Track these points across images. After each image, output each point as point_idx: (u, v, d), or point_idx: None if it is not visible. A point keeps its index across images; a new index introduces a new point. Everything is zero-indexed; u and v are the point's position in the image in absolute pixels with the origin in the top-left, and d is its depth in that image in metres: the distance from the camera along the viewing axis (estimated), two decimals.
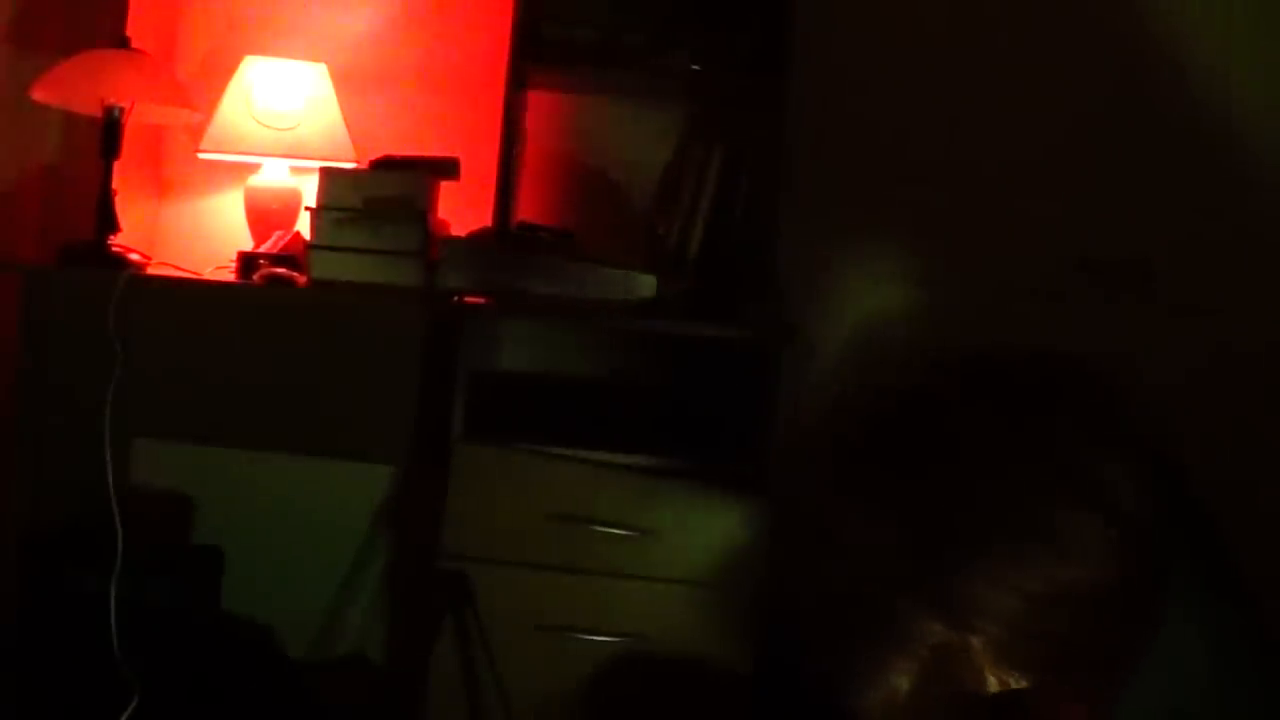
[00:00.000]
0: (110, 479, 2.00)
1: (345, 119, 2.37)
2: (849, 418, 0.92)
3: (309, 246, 2.10)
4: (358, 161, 2.31)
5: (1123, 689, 0.85)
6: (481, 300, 2.02)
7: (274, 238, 2.25)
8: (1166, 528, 0.84)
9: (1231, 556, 0.94)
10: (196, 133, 2.38)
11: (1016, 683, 0.82)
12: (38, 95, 2.08)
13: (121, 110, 2.09)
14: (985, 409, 0.86)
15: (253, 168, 2.38)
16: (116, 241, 2.10)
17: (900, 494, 0.86)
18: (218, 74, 2.41)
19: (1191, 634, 0.87)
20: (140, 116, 2.18)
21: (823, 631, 0.89)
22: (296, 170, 2.36)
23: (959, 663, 0.82)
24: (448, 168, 2.19)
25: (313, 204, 2.10)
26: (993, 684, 0.82)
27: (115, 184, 2.09)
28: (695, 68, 2.21)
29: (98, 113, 2.09)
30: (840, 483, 0.89)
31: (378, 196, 2.07)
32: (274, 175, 2.36)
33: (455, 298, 2.03)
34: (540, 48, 2.20)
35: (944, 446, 0.86)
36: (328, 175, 2.12)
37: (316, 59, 2.40)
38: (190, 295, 2.19)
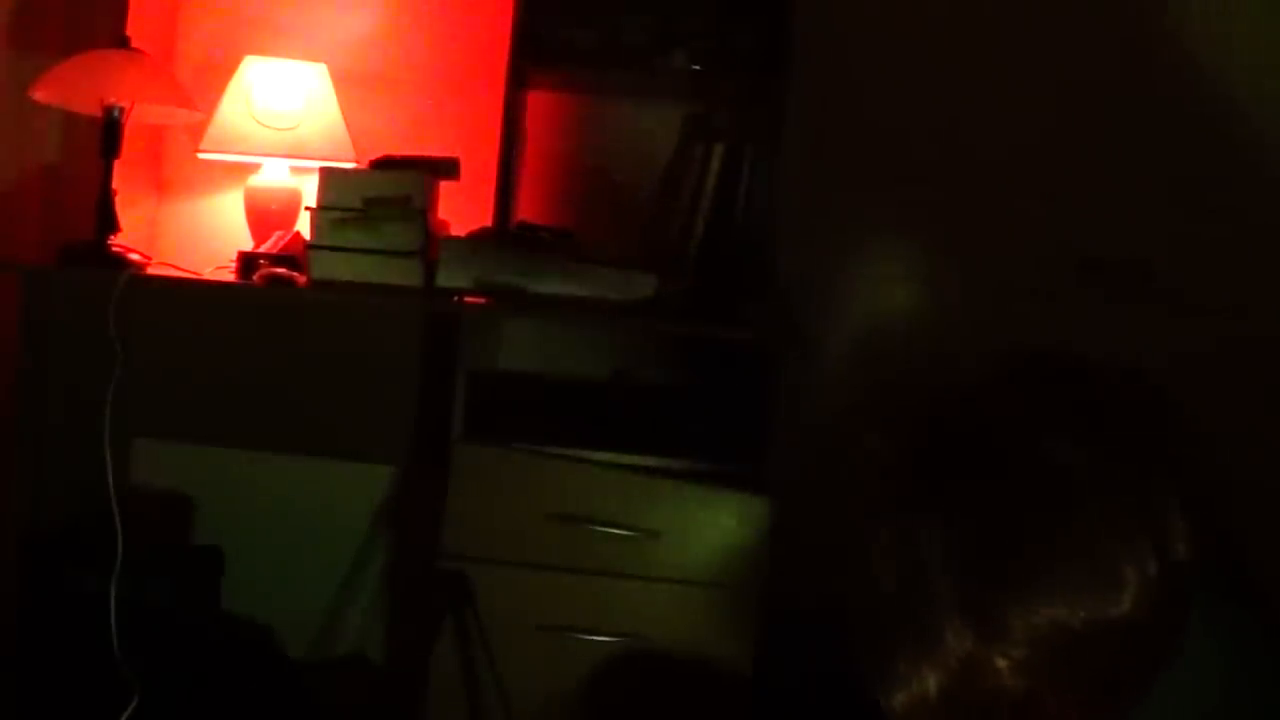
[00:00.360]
0: (110, 479, 2.00)
1: (345, 119, 2.37)
2: (902, 423, 0.91)
3: (309, 246, 2.10)
4: (358, 161, 2.31)
5: (1137, 705, 0.85)
6: (481, 300, 2.02)
7: (274, 238, 2.25)
8: (1202, 561, 0.84)
9: (1242, 557, 0.94)
10: (196, 133, 2.38)
11: (1033, 696, 0.82)
12: (38, 95, 2.07)
13: (121, 110, 2.09)
14: (1055, 429, 0.84)
15: (253, 168, 2.38)
16: (116, 241, 2.10)
17: (961, 509, 0.84)
18: (218, 74, 2.41)
19: (1207, 636, 0.87)
20: (140, 116, 2.18)
21: (855, 632, 0.89)
22: (296, 170, 2.36)
23: (984, 676, 0.82)
24: (448, 168, 2.19)
25: (313, 204, 2.10)
26: (1011, 697, 0.82)
27: (115, 184, 2.09)
28: (695, 68, 2.21)
29: (98, 113, 2.09)
30: (893, 490, 0.88)
31: (378, 196, 2.07)
32: (274, 175, 2.36)
33: (455, 298, 2.03)
34: (540, 48, 2.20)
35: (1006, 467, 0.84)
36: (328, 175, 2.12)
37: (316, 59, 2.40)
38: (190, 295, 2.19)
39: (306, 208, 2.13)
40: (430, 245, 2.07)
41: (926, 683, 0.83)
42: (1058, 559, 0.81)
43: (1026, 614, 0.81)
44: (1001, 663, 0.81)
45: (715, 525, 1.91)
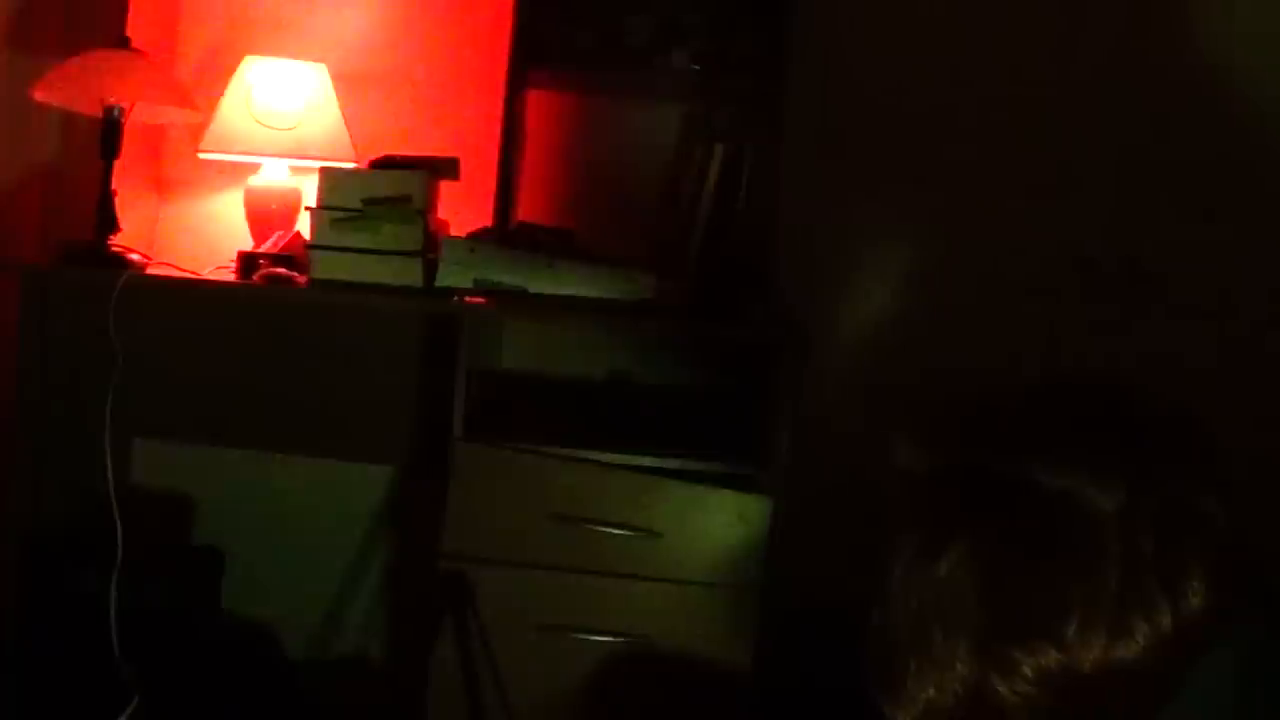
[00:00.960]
0: (110, 479, 2.00)
1: (345, 119, 2.37)
2: (936, 441, 0.90)
3: (309, 246, 2.10)
4: (358, 161, 2.31)
5: None
6: (481, 300, 2.02)
7: (274, 238, 2.25)
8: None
9: (1243, 558, 0.93)
10: (196, 133, 2.38)
11: None
12: (38, 95, 2.07)
13: (121, 110, 2.09)
14: (1091, 473, 0.84)
15: (253, 168, 2.38)
16: (116, 241, 2.10)
17: (986, 539, 0.84)
18: (218, 74, 2.41)
19: (1218, 648, 0.87)
20: (140, 116, 2.18)
21: (868, 642, 0.89)
22: (296, 170, 2.36)
23: (989, 703, 0.84)
24: (448, 168, 2.19)
25: (313, 204, 2.10)
26: None
27: (115, 184, 2.09)
28: (695, 68, 2.21)
29: (98, 113, 2.09)
30: (923, 508, 0.88)
31: (378, 196, 2.07)
32: (274, 175, 2.36)
33: (455, 298, 2.03)
34: (540, 48, 2.20)
35: (1036, 503, 0.84)
36: (328, 175, 2.12)
37: (316, 59, 2.40)
38: (190, 295, 2.19)
39: (306, 208, 2.13)
40: (430, 245, 2.07)
41: (932, 701, 0.84)
42: (1073, 609, 0.81)
43: (1035, 656, 0.82)
44: (1007, 694, 0.82)
45: (715, 525, 1.91)
